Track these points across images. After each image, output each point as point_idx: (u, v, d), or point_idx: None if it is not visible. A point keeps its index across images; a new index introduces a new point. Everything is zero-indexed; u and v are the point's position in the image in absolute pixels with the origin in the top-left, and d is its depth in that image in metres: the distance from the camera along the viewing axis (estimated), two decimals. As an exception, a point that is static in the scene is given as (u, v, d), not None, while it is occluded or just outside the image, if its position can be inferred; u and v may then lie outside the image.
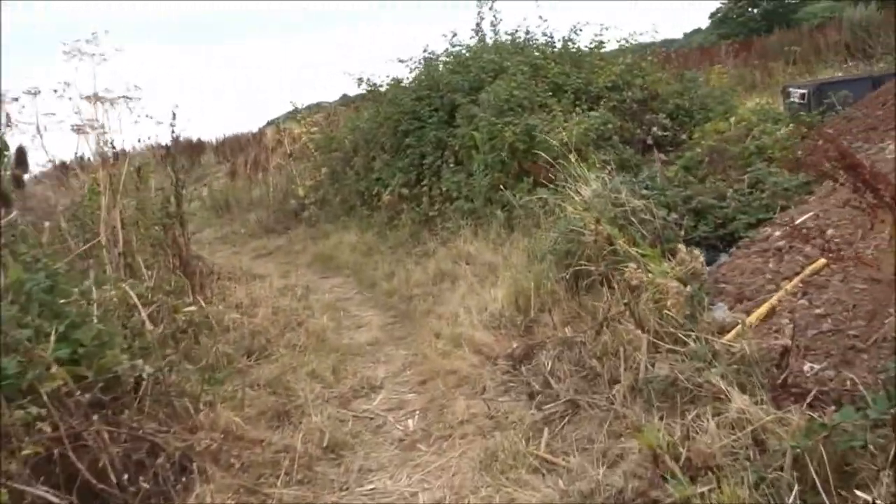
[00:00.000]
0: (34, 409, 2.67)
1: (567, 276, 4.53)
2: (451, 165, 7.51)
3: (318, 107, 15.80)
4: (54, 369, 2.82)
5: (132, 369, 3.31)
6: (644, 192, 4.89)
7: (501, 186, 6.58)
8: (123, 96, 6.70)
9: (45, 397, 2.86)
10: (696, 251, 3.75)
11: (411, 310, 5.43)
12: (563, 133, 6.27)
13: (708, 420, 2.71)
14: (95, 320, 3.49)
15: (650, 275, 3.58)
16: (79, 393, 3.02)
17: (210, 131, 26.21)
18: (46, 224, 4.60)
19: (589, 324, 4.08)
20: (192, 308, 4.99)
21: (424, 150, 7.96)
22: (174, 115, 6.65)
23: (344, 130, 9.95)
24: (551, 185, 6.31)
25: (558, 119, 6.79)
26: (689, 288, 3.50)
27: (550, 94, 7.49)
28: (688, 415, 2.88)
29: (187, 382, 3.76)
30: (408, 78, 9.13)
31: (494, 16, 8.65)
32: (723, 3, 36.72)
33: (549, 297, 4.53)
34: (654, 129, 8.21)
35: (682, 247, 3.81)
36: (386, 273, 6.52)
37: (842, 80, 8.89)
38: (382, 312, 5.67)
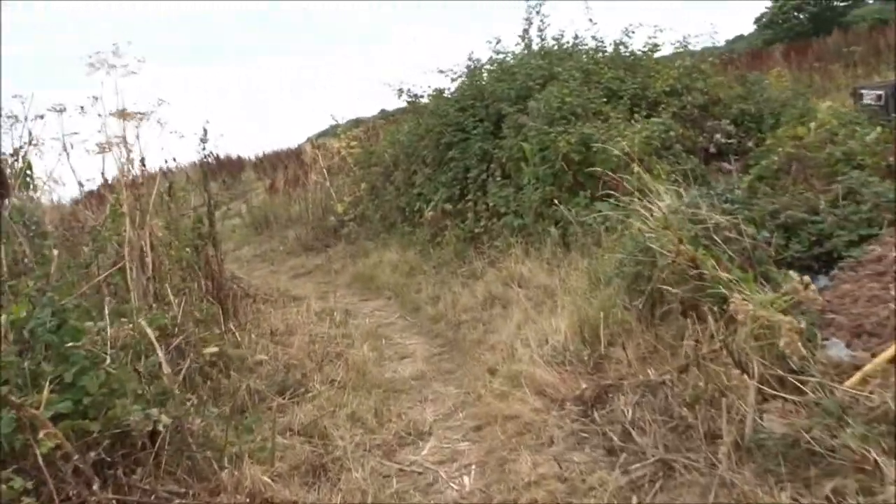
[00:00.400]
0: (19, 482, 2.20)
1: (640, 304, 3.94)
2: (498, 179, 6.96)
3: (357, 122, 15.41)
4: (47, 430, 2.35)
5: (146, 420, 2.83)
6: (725, 206, 4.26)
7: (554, 201, 6.00)
8: (152, 111, 6.40)
9: (40, 461, 2.40)
10: (807, 278, 3.13)
11: (460, 338, 4.89)
12: (623, 142, 5.68)
13: (857, 501, 2.10)
14: (109, 361, 3.04)
15: (753, 306, 2.97)
16: (81, 453, 2.55)
17: (250, 148, 26.26)
18: (55, 252, 4.18)
19: (671, 362, 3.48)
20: (221, 341, 4.54)
21: (469, 162, 7.44)
22: (205, 131, 6.27)
23: (383, 144, 9.50)
24: (612, 200, 5.72)
25: (617, 127, 6.20)
26: (802, 322, 2.88)
27: (605, 100, 6.90)
28: (821, 488, 2.27)
29: (212, 430, 3.28)
30: (450, 88, 8.65)
31: (542, 20, 8.11)
32: (767, 8, 35.74)
33: (620, 327, 3.94)
34: (718, 136, 7.55)
35: (792, 274, 3.18)
36: (430, 296, 5.99)
37: (923, 79, 8.08)
38: (428, 340, 5.14)
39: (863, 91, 8.27)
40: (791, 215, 4.33)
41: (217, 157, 24.16)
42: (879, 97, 7.80)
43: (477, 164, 7.32)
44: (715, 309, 3.33)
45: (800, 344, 2.84)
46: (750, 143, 7.50)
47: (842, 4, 33.68)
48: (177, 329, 4.43)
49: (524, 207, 6.29)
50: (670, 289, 3.63)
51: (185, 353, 4.27)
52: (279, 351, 4.71)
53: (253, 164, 20.84)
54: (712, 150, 7.39)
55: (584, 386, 3.53)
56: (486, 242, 6.65)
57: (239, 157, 21.59)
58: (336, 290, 7.25)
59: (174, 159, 7.69)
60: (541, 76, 7.34)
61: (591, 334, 4.01)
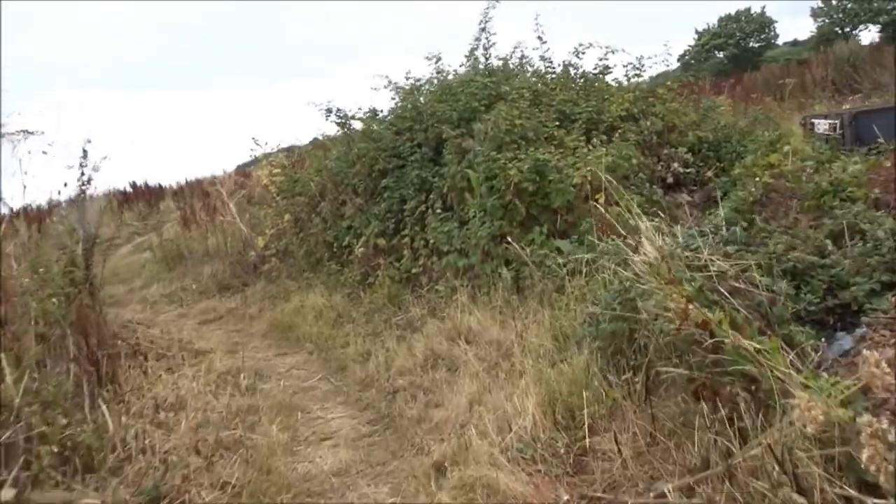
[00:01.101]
0: None
1: (628, 377, 3.00)
2: (439, 212, 5.99)
3: (289, 150, 14.16)
4: None
5: None
6: (726, 247, 3.40)
7: (505, 237, 5.07)
8: (24, 131, 5.18)
9: None
10: (874, 353, 2.26)
11: (395, 413, 3.82)
12: (583, 169, 4.82)
13: None
14: None
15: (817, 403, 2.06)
16: None
17: (173, 176, 24.55)
18: None
19: (679, 459, 2.54)
20: (76, 430, 3.33)
21: (405, 192, 6.45)
22: (85, 153, 5.06)
23: (309, 172, 8.40)
24: (574, 237, 4.82)
25: (574, 153, 5.34)
26: (883, 423, 1.99)
27: (557, 124, 6.06)
28: None
29: None
30: (383, 110, 7.68)
31: (488, 38, 7.26)
32: (689, 46, 36.74)
33: (603, 407, 2.98)
34: (675, 164, 6.82)
35: (869, 355, 2.28)
36: (359, 352, 4.92)
37: (879, 108, 7.65)
38: (356, 413, 4.05)
39: (814, 121, 7.78)
40: (799, 258, 3.52)
41: (134, 185, 22.45)
42: (834, 127, 7.31)
43: (414, 194, 6.34)
44: (744, 394, 2.42)
45: (886, 456, 1.95)
46: (709, 173, 6.82)
47: (756, 46, 35.09)
48: (13, 415, 3.24)
49: (469, 245, 5.33)
50: (671, 369, 2.70)
51: (17, 451, 3.07)
52: (158, 437, 3.53)
53: (173, 193, 19.27)
54: (669, 179, 6.66)
55: (564, 498, 2.55)
56: (425, 285, 5.64)
57: (159, 186, 19.98)
58: (249, 341, 6.08)
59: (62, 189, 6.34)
60: (486, 96, 6.45)
61: (566, 415, 3.04)
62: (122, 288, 10.48)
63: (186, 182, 19.80)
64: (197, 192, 13.89)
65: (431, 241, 5.87)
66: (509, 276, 4.80)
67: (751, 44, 35.16)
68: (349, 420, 3.96)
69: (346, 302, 6.09)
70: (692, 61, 34.54)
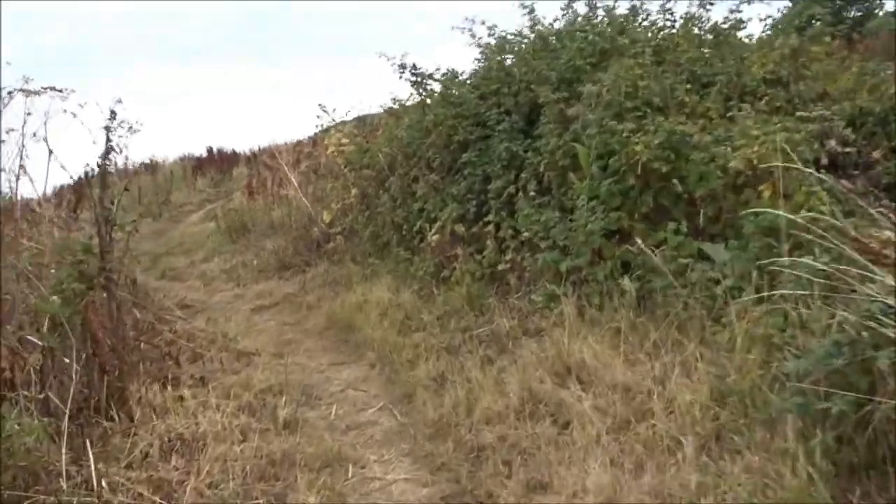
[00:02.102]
0: None
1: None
2: (533, 195, 4.71)
3: (361, 121, 12.94)
4: None
5: None
6: None
7: (625, 233, 3.77)
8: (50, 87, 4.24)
9: None
10: None
11: (481, 489, 2.63)
12: (748, 149, 3.42)
13: None
14: None
15: None
16: None
17: (245, 143, 24.04)
18: None
19: None
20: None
21: (490, 169, 5.18)
22: (113, 114, 4.00)
23: (380, 141, 7.23)
24: (729, 240, 3.45)
25: (724, 125, 3.94)
26: None
27: (688, 87, 4.64)
28: None
29: None
30: (464, 71, 6.40)
31: (592, -16, 5.81)
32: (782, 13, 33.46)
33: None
34: (831, 142, 5.29)
35: None
36: (432, 374, 3.74)
37: None
38: (425, 476, 2.87)
39: None
40: None
41: (210, 151, 22.00)
42: None
43: (501, 171, 5.06)
44: None
45: None
46: (876, 154, 5.25)
47: (858, 14, 31.57)
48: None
49: (575, 241, 4.02)
50: None
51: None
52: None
53: (245, 160, 18.59)
54: (823, 160, 5.12)
55: None
56: (514, 288, 4.40)
57: (233, 152, 19.35)
58: (302, 340, 5.01)
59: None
60: (595, 52, 5.06)
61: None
62: (183, 260, 9.71)
63: (259, 149, 19.11)
64: (262, 162, 13.00)
65: (523, 232, 4.60)
66: (633, 289, 3.49)
67: (852, 13, 31.70)
68: (415, 487, 2.79)
69: (415, 299, 4.93)
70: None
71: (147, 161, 16.54)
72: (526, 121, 5.35)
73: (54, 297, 3.31)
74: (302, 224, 9.08)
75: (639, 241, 3.59)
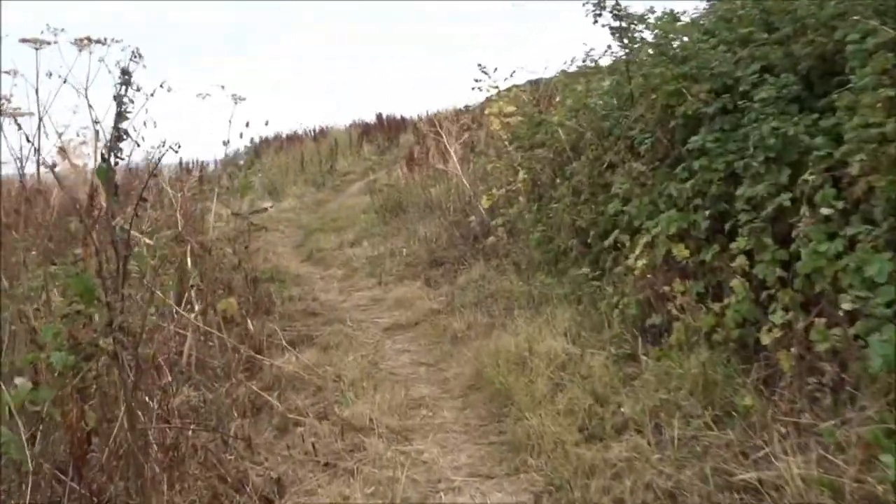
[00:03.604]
0: None
1: None
2: (829, 212, 2.62)
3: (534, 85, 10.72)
4: None
5: None
6: None
7: None
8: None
9: None
10: None
11: None
12: None
13: None
14: None
15: None
16: None
17: (414, 109, 22.87)
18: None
19: None
20: None
21: (741, 162, 3.13)
22: (126, 77, 2.54)
23: (560, 112, 5.31)
24: None
25: None
26: None
27: None
28: None
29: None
30: (685, 11, 4.28)
31: None
32: None
33: None
34: None
35: None
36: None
37: None
38: None
39: None
40: None
41: (379, 116, 21.21)
42: None
43: (765, 168, 2.99)
44: None
45: None
46: None
47: None
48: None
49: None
50: None
51: None
52: None
53: (413, 127, 17.42)
54: None
55: None
56: (791, 379, 2.40)
57: (401, 118, 18.28)
58: (438, 407, 3.39)
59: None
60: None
61: None
62: (333, 240, 8.60)
63: (427, 114, 17.84)
64: (424, 131, 11.55)
65: (809, 275, 2.55)
66: None
67: None
68: None
69: (608, 365, 3.08)
70: None
71: (314, 128, 15.95)
72: (804, 84, 3.19)
73: (20, 381, 1.95)
74: (459, 207, 7.51)
75: None
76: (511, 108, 6.01)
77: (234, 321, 4.31)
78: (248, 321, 4.11)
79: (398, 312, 5.10)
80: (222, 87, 4.77)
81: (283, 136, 15.56)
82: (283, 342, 3.94)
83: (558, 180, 4.87)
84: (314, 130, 15.97)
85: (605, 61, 4.99)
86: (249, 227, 5.31)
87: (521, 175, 5.80)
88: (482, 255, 5.90)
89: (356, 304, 5.59)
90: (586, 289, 3.94)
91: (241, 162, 10.60)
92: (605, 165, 4.23)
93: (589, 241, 4.16)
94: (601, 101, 4.43)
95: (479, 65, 6.08)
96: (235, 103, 5.04)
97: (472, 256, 6.09)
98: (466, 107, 7.95)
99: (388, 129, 16.73)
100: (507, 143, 6.15)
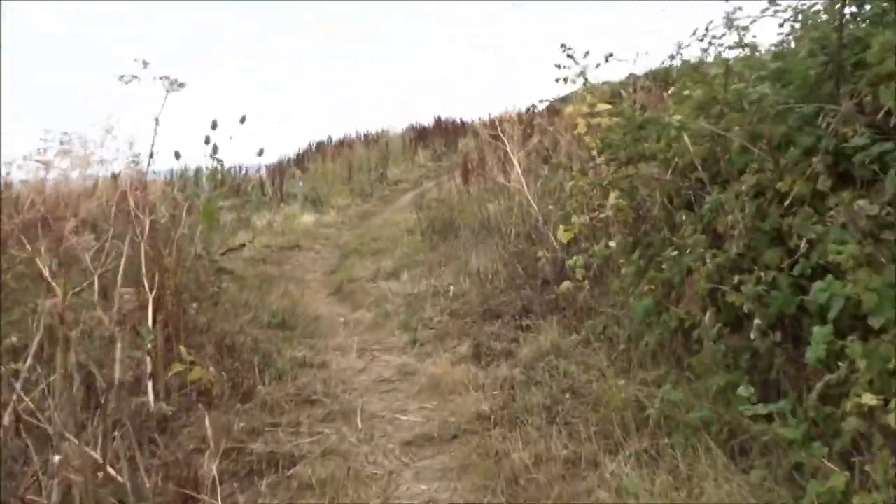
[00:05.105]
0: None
1: None
2: None
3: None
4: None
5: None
6: None
7: None
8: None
9: None
10: None
11: None
12: None
13: None
14: None
15: None
16: None
17: (475, 112, 21.01)
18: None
19: None
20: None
21: None
22: None
23: (684, 109, 3.41)
24: None
25: None
26: None
27: None
28: None
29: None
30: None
31: None
32: None
33: None
34: None
35: None
36: None
37: None
38: None
39: None
40: None
41: (438, 120, 19.53)
42: None
43: None
44: None
45: None
46: None
47: None
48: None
49: None
50: None
51: None
52: None
53: (473, 131, 15.65)
54: None
55: None
56: None
57: (460, 122, 16.55)
58: None
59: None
60: None
61: None
62: (370, 266, 6.98)
63: (491, 117, 16.03)
64: (481, 135, 9.73)
65: None
66: None
67: None
68: None
69: None
70: None
71: (365, 133, 14.44)
72: None
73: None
74: (524, 232, 5.75)
75: None
76: (603, 106, 4.17)
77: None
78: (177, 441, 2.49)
79: (431, 406, 3.38)
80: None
81: (333, 140, 14.13)
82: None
83: (681, 214, 3.02)
84: (366, 135, 14.47)
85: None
86: (218, 273, 3.72)
87: (613, 199, 3.96)
88: (555, 312, 4.13)
89: (377, 378, 3.90)
90: (755, 429, 2.09)
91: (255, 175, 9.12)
92: (782, 200, 2.36)
93: (752, 335, 2.30)
94: (769, 90, 2.54)
95: (563, 46, 4.25)
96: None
97: (541, 308, 4.34)
98: (536, 105, 6.07)
99: (446, 133, 15.07)
100: (594, 152, 4.32)
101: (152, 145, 4.00)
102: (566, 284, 4.19)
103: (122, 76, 3.58)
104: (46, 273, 2.85)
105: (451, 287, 5.44)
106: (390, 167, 12.74)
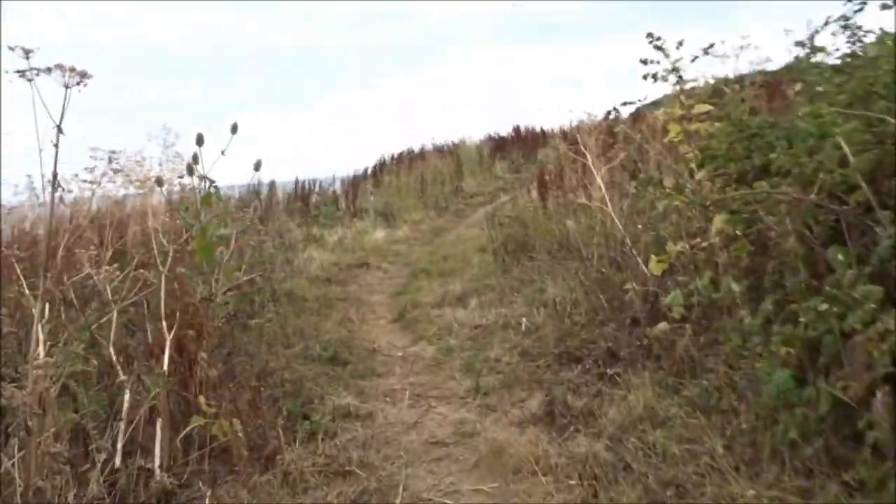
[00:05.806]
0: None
1: None
2: None
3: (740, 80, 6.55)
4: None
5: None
6: None
7: None
8: None
9: None
10: None
11: None
12: None
13: None
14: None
15: None
16: None
17: (556, 119, 20.00)
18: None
19: None
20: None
21: None
22: None
23: (824, 111, 2.53)
24: None
25: None
26: None
27: None
28: None
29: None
30: None
31: None
32: None
33: None
34: None
35: None
36: None
37: None
38: None
39: None
40: None
41: (517, 130, 18.72)
42: None
43: None
44: None
45: None
46: None
47: None
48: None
49: None
50: None
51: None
52: None
53: (557, 137, 14.74)
54: None
55: None
56: None
57: (541, 130, 15.71)
58: None
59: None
60: None
61: None
62: (437, 290, 6.34)
63: (571, 125, 15.07)
64: (560, 146, 8.86)
65: None
66: None
67: None
68: None
69: None
70: None
71: (441, 143, 13.91)
72: None
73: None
74: (607, 256, 4.91)
75: None
76: (705, 108, 3.31)
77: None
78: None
79: (489, 489, 2.66)
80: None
81: (409, 152, 13.70)
82: None
83: (835, 251, 2.15)
84: (442, 146, 13.94)
85: None
86: (228, 314, 3.18)
87: (720, 223, 3.10)
88: (647, 360, 3.32)
89: (428, 439, 3.22)
90: None
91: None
92: None
93: None
94: None
95: (651, 35, 3.43)
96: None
97: (630, 354, 3.53)
98: (618, 108, 5.15)
99: (524, 144, 14.29)
100: (693, 164, 3.46)
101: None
102: (662, 326, 3.36)
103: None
104: (36, 318, 2.38)
105: (524, 319, 4.71)
106: (466, 179, 12.12)
